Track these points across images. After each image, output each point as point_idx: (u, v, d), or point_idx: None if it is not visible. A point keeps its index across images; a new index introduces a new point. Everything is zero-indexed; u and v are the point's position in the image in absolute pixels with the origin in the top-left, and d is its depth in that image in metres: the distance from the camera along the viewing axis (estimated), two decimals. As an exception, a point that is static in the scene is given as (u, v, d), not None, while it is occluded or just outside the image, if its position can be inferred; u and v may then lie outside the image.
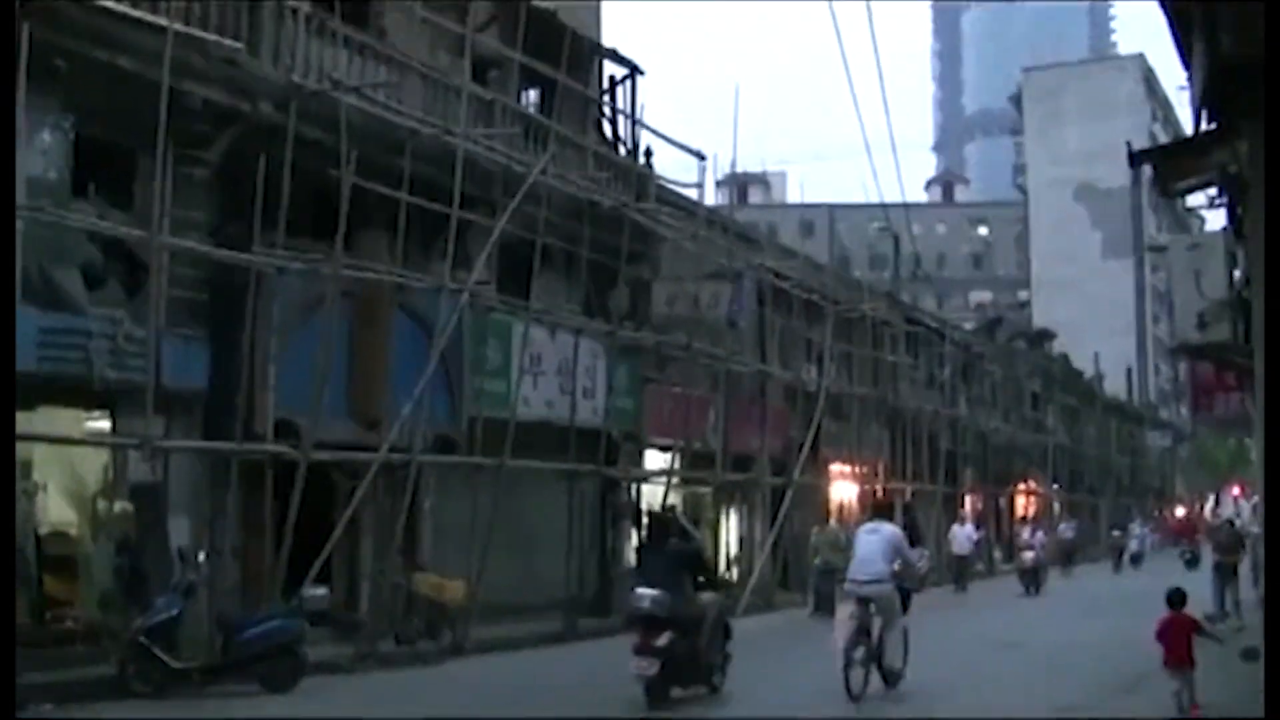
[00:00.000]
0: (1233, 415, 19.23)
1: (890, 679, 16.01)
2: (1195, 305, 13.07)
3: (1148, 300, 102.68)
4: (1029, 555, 37.70)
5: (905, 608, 16.66)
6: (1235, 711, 13.46)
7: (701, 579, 16.49)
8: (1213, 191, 13.49)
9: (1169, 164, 10.31)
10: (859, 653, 15.36)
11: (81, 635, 17.07)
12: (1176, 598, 14.27)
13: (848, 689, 15.01)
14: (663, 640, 14.96)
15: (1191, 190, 11.89)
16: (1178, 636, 13.89)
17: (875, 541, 16.16)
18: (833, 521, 34.15)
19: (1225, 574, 23.33)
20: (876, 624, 15.81)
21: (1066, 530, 51.01)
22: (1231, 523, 28.46)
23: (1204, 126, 9.01)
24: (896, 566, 16.26)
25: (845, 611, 18.43)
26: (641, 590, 15.56)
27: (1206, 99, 8.17)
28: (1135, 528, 55.77)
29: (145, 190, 17.53)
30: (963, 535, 40.01)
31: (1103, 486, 70.38)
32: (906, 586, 16.91)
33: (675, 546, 16.63)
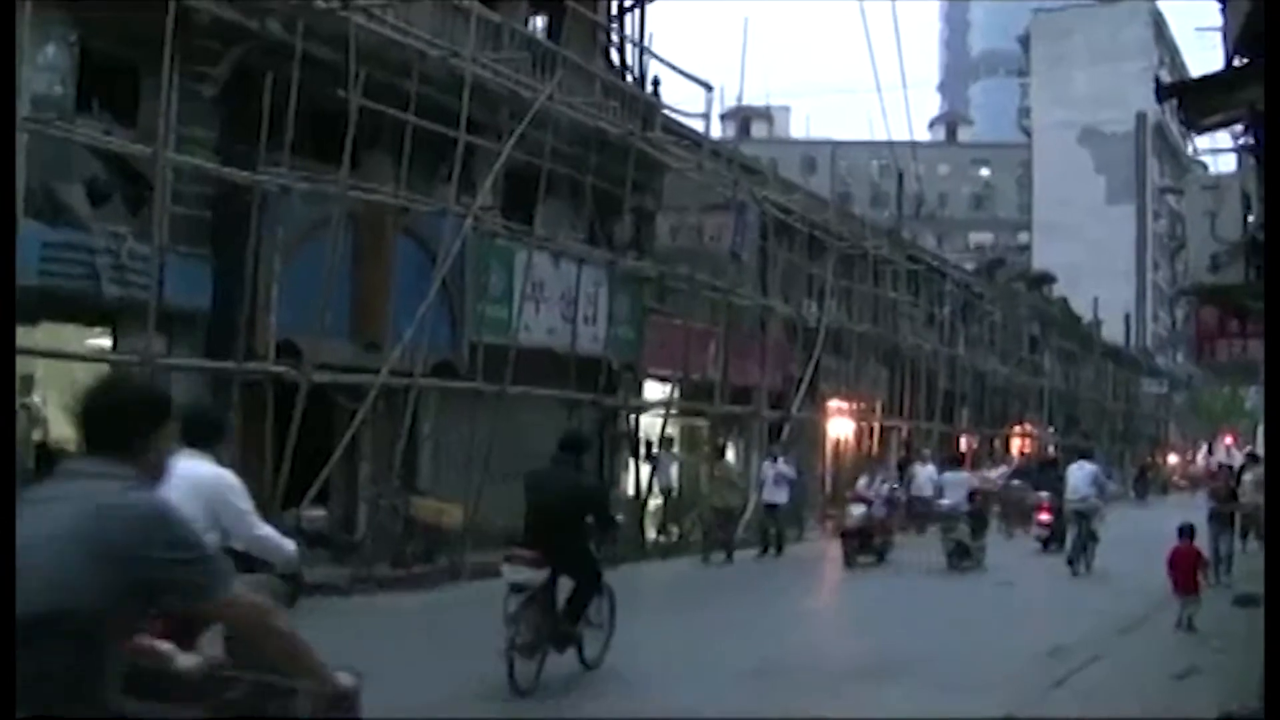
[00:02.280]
0: (1235, 362, 19.10)
1: (1089, 567, 23.92)
2: (1209, 246, 12.96)
3: (1149, 247, 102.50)
4: (856, 512, 26.15)
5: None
6: (1231, 654, 13.71)
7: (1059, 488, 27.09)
8: (1224, 134, 13.44)
9: (1195, 99, 10.18)
10: (1074, 549, 23.97)
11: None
12: (1186, 531, 16.78)
13: (1071, 567, 23.61)
14: (1047, 518, 28.26)
15: (1217, 127, 11.78)
16: (1184, 566, 16.14)
17: (1082, 475, 25.17)
18: (730, 456, 29.90)
19: (1221, 523, 23.17)
20: (1085, 527, 24.11)
21: (1002, 478, 38.08)
22: (1230, 468, 28.14)
23: (1237, 63, 8.89)
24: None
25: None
26: (1039, 493, 29.52)
27: (1245, 32, 8.03)
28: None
29: (150, 106, 17.41)
30: (924, 475, 33.30)
31: (1098, 431, 70.51)
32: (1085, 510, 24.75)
33: (1049, 472, 30.49)
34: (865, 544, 25.61)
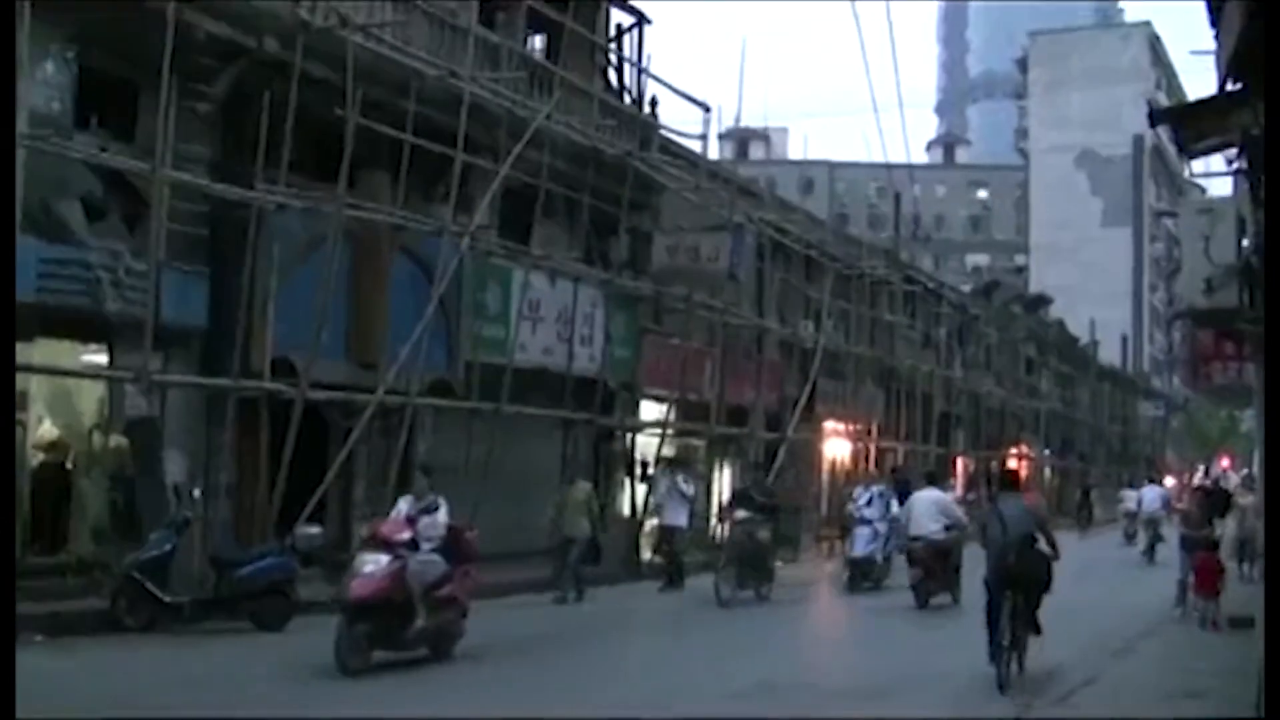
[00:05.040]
0: (1230, 385, 19.09)
1: (1154, 559, 32.57)
2: (1203, 270, 13.04)
3: (1145, 269, 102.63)
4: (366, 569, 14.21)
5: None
6: (1226, 672, 13.90)
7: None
8: (1219, 157, 13.51)
9: (1189, 124, 10.24)
10: (1147, 548, 33.67)
11: (74, 568, 17.05)
12: (1212, 543, 20.28)
13: (1148, 560, 32.82)
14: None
15: (1211, 151, 11.86)
16: (1208, 572, 19.10)
17: (1154, 494, 36.04)
18: (581, 481, 24.15)
19: (1192, 550, 20.75)
20: (1154, 531, 33.73)
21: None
22: (1207, 491, 25.88)
23: (1229, 87, 8.94)
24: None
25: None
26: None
27: (1236, 57, 8.07)
28: (863, 500, 25.23)
29: (148, 123, 17.44)
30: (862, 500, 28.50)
31: (1094, 454, 70.48)
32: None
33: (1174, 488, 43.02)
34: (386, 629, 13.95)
